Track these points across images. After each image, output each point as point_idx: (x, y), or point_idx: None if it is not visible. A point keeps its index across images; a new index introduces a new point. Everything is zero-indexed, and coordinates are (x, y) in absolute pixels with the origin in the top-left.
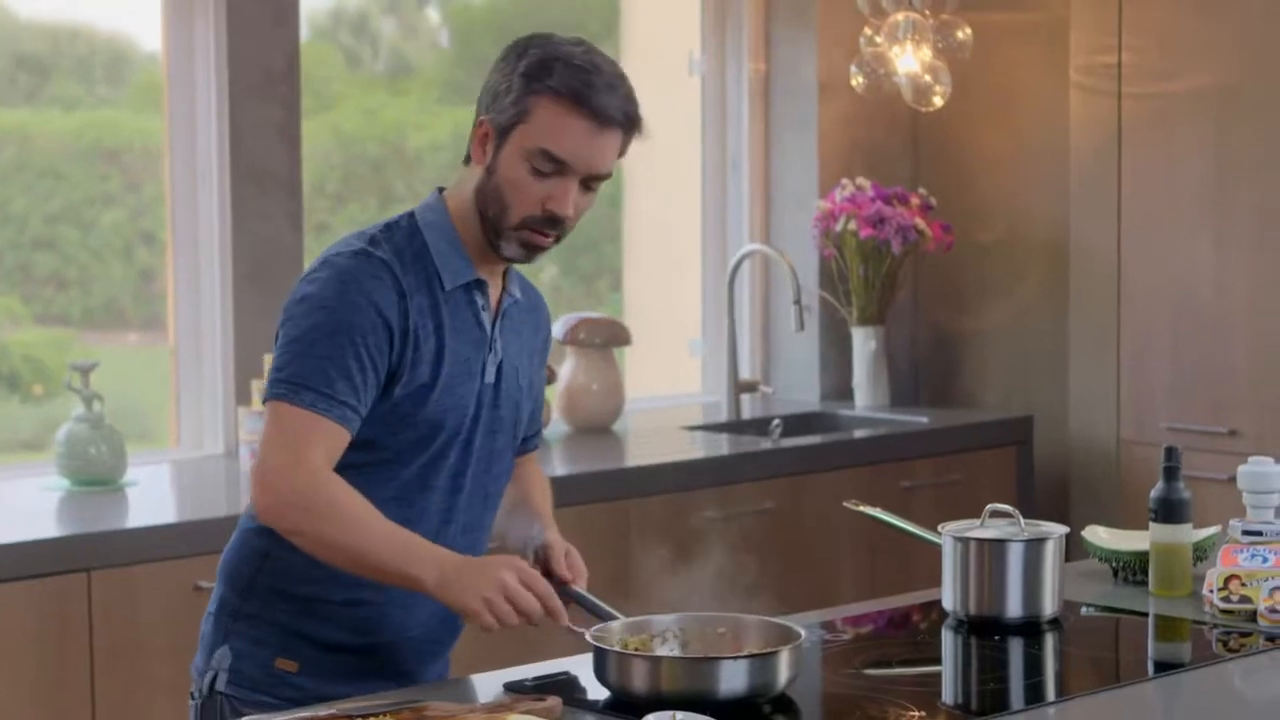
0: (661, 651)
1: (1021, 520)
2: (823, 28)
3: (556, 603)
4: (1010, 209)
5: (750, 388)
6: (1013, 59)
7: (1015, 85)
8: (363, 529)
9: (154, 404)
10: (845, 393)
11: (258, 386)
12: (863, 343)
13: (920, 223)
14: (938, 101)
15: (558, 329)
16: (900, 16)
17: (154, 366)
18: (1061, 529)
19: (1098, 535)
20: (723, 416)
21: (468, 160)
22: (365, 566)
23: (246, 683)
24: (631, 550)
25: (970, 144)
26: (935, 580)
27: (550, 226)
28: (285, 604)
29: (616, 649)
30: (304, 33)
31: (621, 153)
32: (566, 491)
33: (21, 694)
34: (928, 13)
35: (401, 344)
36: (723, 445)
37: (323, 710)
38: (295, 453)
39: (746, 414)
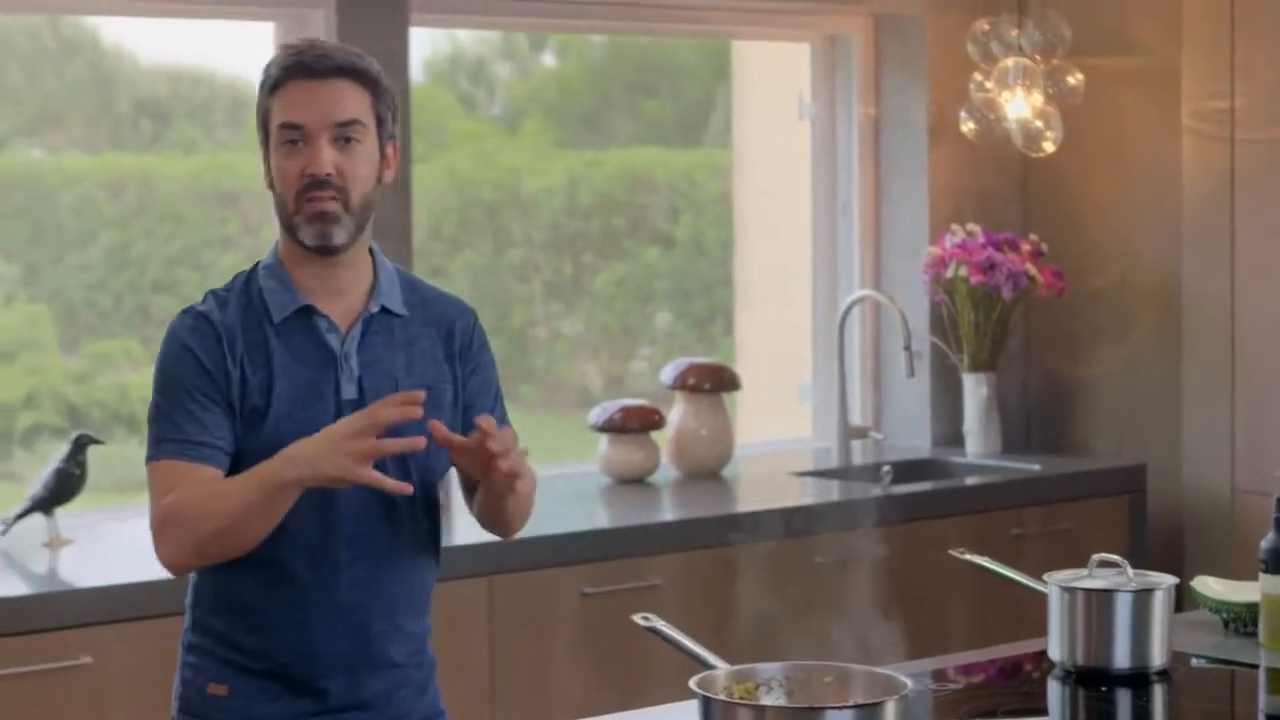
0: (767, 700)
1: (1129, 570)
2: (933, 73)
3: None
4: (1122, 254)
5: (861, 434)
6: (1124, 104)
7: (1126, 130)
8: (223, 498)
9: None
10: (956, 439)
11: None
12: (974, 389)
13: (1031, 269)
14: (1049, 147)
15: (667, 374)
16: (1010, 62)
17: None
18: (1170, 579)
19: (1208, 586)
20: (833, 462)
21: None
22: (255, 516)
23: (190, 709)
24: (739, 597)
25: (1081, 189)
26: (1043, 630)
27: (318, 189)
28: (213, 634)
29: (722, 697)
30: (421, 76)
31: (378, 114)
32: (674, 537)
33: None
34: (1038, 58)
35: (224, 382)
36: (833, 491)
37: None
38: (157, 504)
39: (857, 460)
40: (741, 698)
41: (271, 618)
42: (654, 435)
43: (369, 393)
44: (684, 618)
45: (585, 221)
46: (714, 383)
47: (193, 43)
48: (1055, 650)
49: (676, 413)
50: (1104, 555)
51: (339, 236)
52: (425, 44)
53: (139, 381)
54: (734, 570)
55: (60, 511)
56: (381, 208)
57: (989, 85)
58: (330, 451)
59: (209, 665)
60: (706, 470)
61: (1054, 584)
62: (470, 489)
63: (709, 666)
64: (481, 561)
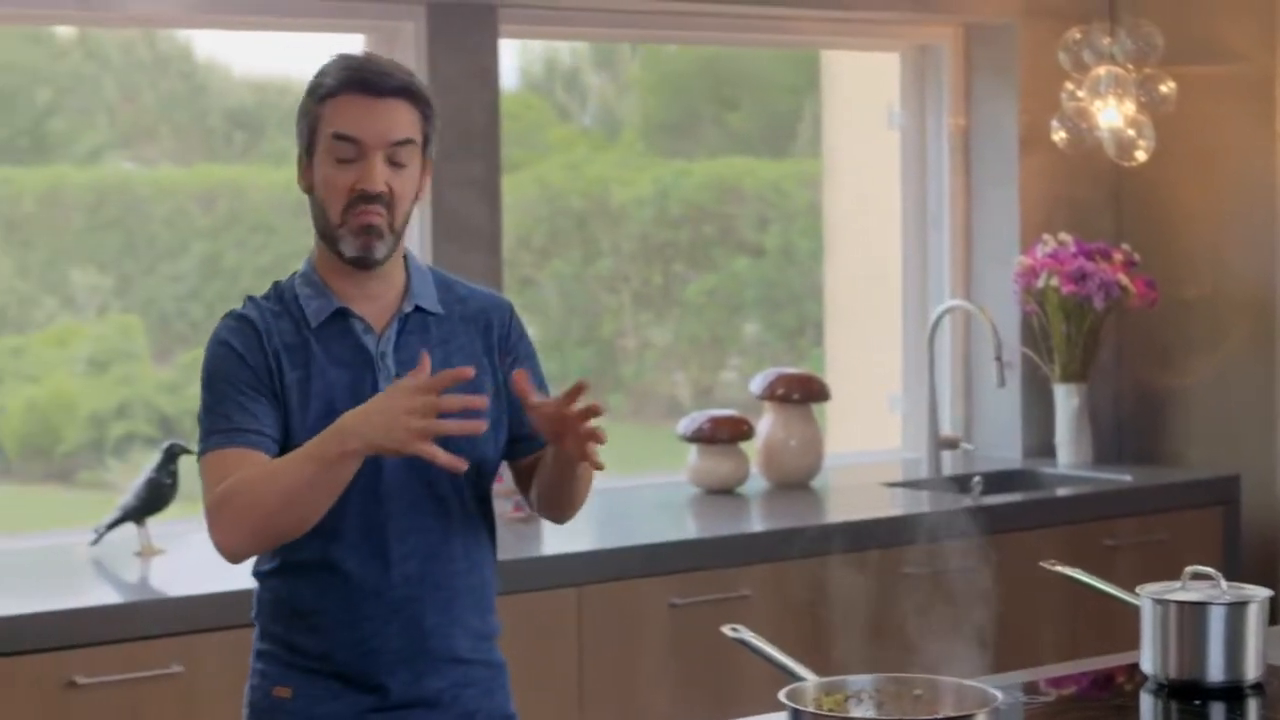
0: (856, 713)
1: (1223, 582)
2: (1024, 82)
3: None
4: (1215, 264)
5: (951, 444)
6: (1217, 112)
7: (1219, 139)
8: (278, 477)
9: None
10: (1047, 450)
11: None
12: (1065, 400)
13: (1123, 279)
14: (1141, 156)
15: (757, 384)
16: (1103, 71)
17: None
18: (1265, 592)
19: None
20: (923, 473)
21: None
22: (314, 493)
23: (257, 714)
24: (829, 608)
25: (1174, 199)
26: (1136, 643)
27: (367, 203)
28: (272, 637)
29: (811, 709)
30: (515, 83)
31: (425, 134)
32: (763, 548)
33: None
34: (1131, 67)
35: (268, 377)
36: (923, 503)
37: None
38: (210, 493)
39: (947, 471)
40: (831, 710)
41: (327, 618)
42: (743, 446)
43: None
44: (773, 629)
45: (674, 231)
46: (803, 393)
47: (282, 54)
48: (1148, 663)
49: (766, 423)
50: (1197, 568)
51: (380, 251)
52: (520, 53)
53: None
54: (823, 581)
55: (151, 521)
56: (470, 217)
57: (1081, 94)
58: (390, 425)
59: (274, 670)
60: (796, 481)
61: (1146, 596)
62: (526, 476)
63: (798, 678)
64: (570, 572)
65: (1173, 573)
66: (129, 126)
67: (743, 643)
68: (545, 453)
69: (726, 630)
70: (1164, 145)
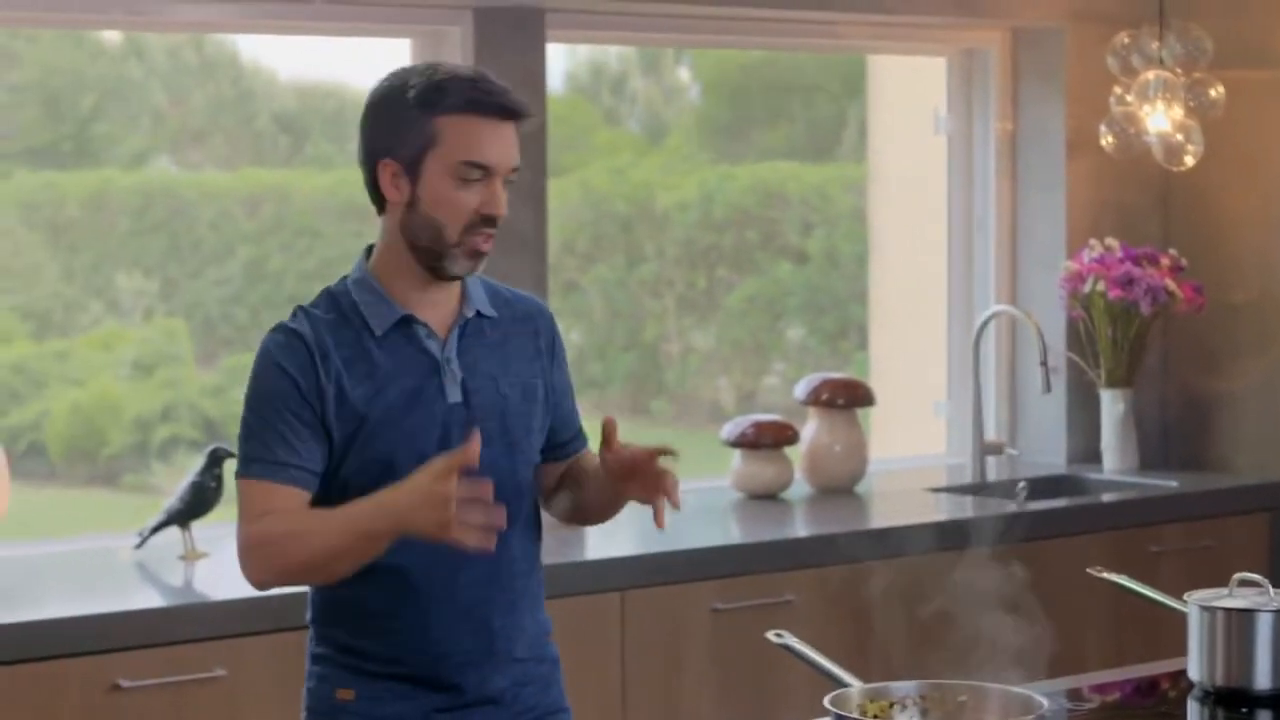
0: (901, 719)
1: (1271, 589)
2: (1071, 86)
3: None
4: (1263, 269)
5: (996, 450)
6: (1266, 117)
7: (1268, 144)
8: (311, 537)
9: None
10: (1093, 456)
11: None
12: (1111, 405)
13: (1171, 284)
14: (1189, 161)
15: (801, 389)
16: (1151, 75)
17: None
18: None
19: None
20: (967, 479)
21: (379, 209)
22: (341, 561)
23: (318, 715)
24: (873, 613)
25: (1222, 204)
26: (1182, 649)
27: (489, 227)
28: (332, 641)
29: (855, 715)
30: (561, 87)
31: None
32: (808, 553)
33: None
34: (1179, 71)
35: (318, 400)
36: (968, 508)
37: None
38: (249, 522)
39: (992, 476)
40: (876, 716)
41: (396, 622)
42: (787, 451)
43: (473, 395)
44: (817, 634)
45: (718, 236)
46: (848, 398)
47: (328, 58)
48: (1195, 670)
49: (810, 428)
50: (1245, 575)
51: (481, 267)
52: (567, 56)
53: None
54: (867, 587)
55: (196, 524)
56: (515, 222)
57: (1129, 98)
58: (419, 505)
59: (334, 673)
60: (840, 486)
61: (1194, 603)
62: (547, 480)
63: (842, 684)
64: (614, 576)
65: (1219, 579)
66: (175, 130)
67: (787, 648)
68: (588, 476)
69: (771, 636)
70: (1212, 150)
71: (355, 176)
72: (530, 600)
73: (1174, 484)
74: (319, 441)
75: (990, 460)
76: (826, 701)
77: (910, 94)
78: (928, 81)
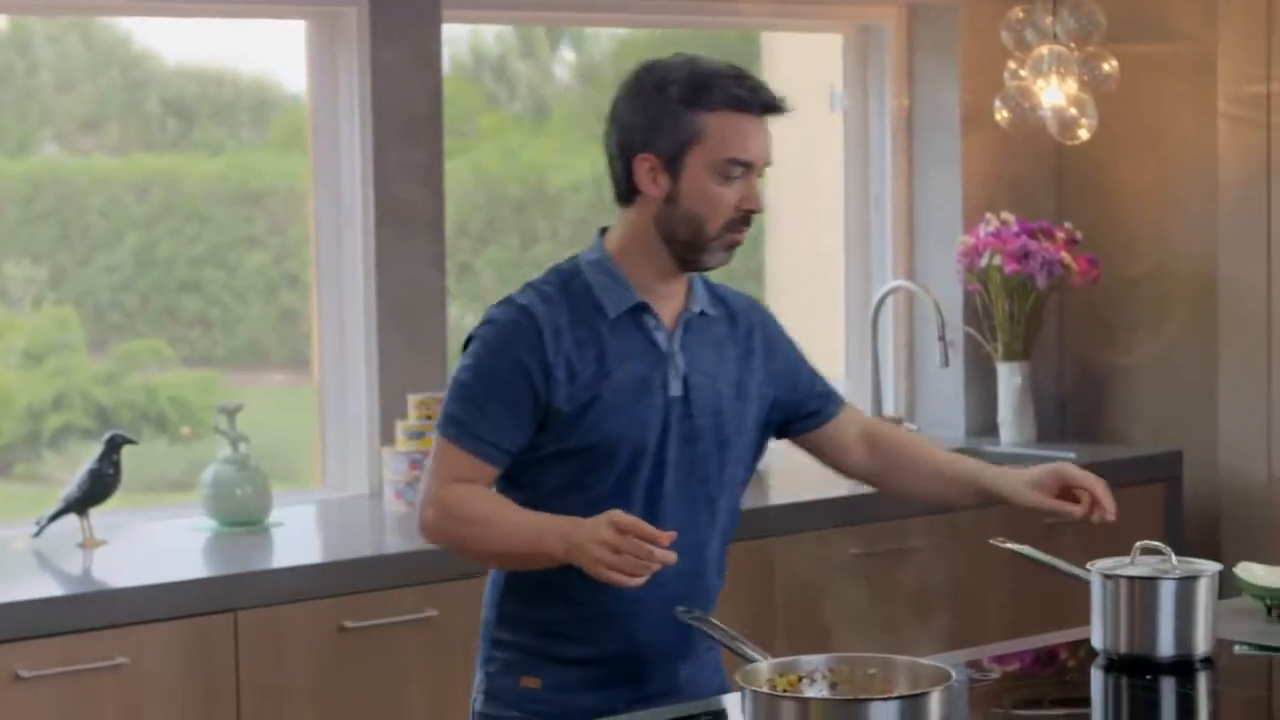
0: (810, 692)
1: (1173, 557)
2: (966, 61)
3: (654, 548)
4: (1158, 242)
5: (895, 424)
6: (1159, 90)
7: (1162, 117)
8: (494, 527)
9: (297, 444)
10: (990, 429)
11: (402, 427)
12: (1008, 378)
13: (1066, 257)
14: (1083, 134)
15: None
16: (1045, 50)
17: (297, 406)
18: (1214, 566)
19: (1251, 572)
20: None
21: (625, 200)
22: (508, 558)
23: (498, 702)
24: (775, 589)
25: (1116, 177)
26: (1081, 619)
27: (746, 223)
28: (527, 627)
29: (765, 690)
30: (446, 69)
31: None
32: None
33: None
34: (1073, 45)
35: (545, 381)
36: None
37: None
38: (438, 481)
39: None
40: (785, 690)
41: (604, 610)
42: None
43: (693, 390)
44: (720, 611)
45: (611, 216)
46: None
47: (220, 43)
48: (1098, 639)
49: None
50: (1147, 543)
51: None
52: (446, 40)
53: (167, 381)
54: (770, 563)
55: (94, 512)
56: (413, 203)
57: (1023, 73)
58: (584, 543)
59: (521, 659)
60: None
61: (1097, 572)
62: (820, 447)
63: (750, 659)
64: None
65: (1116, 550)
66: (63, 117)
67: (696, 625)
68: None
69: (679, 612)
70: (1106, 124)
71: (246, 162)
72: (716, 594)
73: (1071, 455)
74: (526, 425)
75: None
76: (737, 677)
77: (805, 71)
78: (823, 58)
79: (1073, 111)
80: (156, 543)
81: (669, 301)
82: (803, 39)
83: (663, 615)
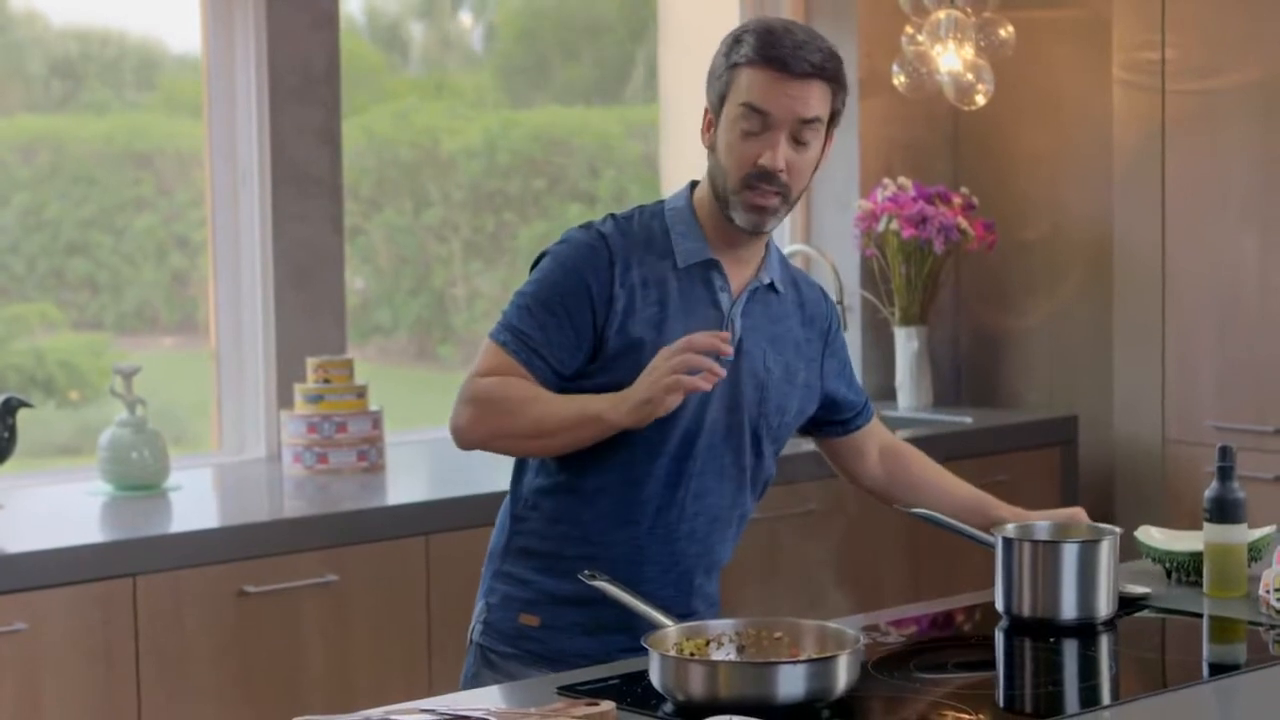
0: (718, 656)
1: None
2: (863, 26)
3: (716, 343)
4: (1053, 207)
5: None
6: (1055, 56)
7: (1057, 82)
8: (533, 404)
9: (190, 408)
10: (888, 393)
11: (300, 389)
12: (905, 343)
13: (963, 222)
14: (980, 100)
15: None
16: (942, 14)
17: (189, 370)
18: (1115, 530)
19: (1151, 536)
20: None
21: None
22: (554, 432)
23: (496, 635)
24: None
25: (1012, 142)
26: (980, 582)
27: (767, 182)
28: (531, 562)
29: (673, 654)
30: (344, 30)
31: (833, 113)
32: None
33: (67, 700)
34: (969, 11)
35: (606, 307)
36: None
37: (376, 713)
38: (477, 377)
39: None
40: (693, 654)
41: (612, 551)
42: None
43: (743, 358)
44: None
45: (504, 181)
46: None
47: (106, 2)
48: (1001, 602)
49: None
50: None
51: (770, 225)
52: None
53: (54, 345)
54: None
55: None
56: (310, 164)
57: (920, 38)
58: (642, 381)
59: (522, 594)
60: None
61: (1000, 536)
62: (837, 454)
63: (658, 625)
64: (418, 521)
65: None
66: None
67: (601, 588)
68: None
69: (583, 577)
70: (1002, 89)
71: (133, 123)
72: (718, 566)
73: (968, 420)
74: (580, 348)
75: None
76: (644, 641)
77: (701, 34)
78: (719, 21)
79: (969, 77)
80: (53, 507)
81: (741, 266)
82: (699, 1)
83: (667, 571)
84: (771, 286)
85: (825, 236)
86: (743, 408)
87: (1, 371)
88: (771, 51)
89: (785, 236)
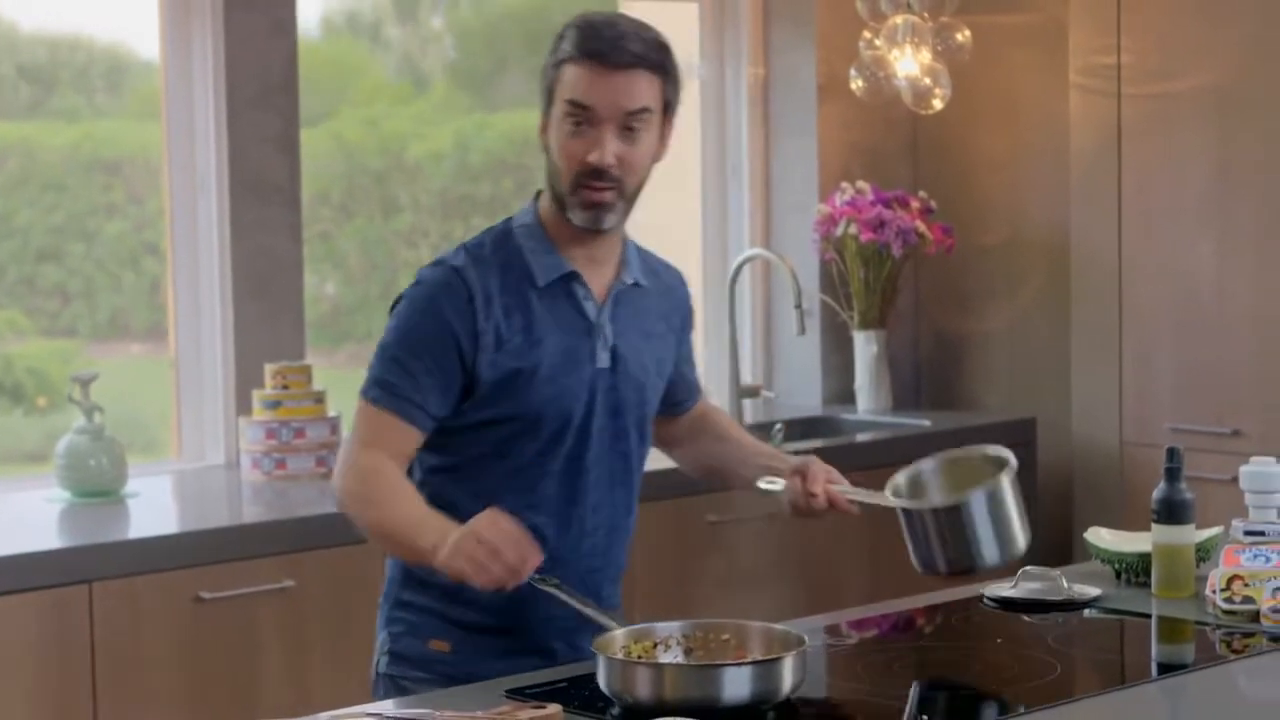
0: (665, 658)
1: (1063, 580)
2: (821, 31)
3: (522, 547)
4: (1011, 211)
5: (752, 393)
6: (1012, 61)
7: (1014, 87)
8: (389, 511)
9: (158, 415)
10: (847, 397)
11: (259, 396)
12: (864, 346)
13: (921, 226)
14: (937, 104)
15: None
16: (899, 19)
17: (158, 377)
18: (1008, 459)
19: (1100, 537)
20: None
21: None
22: (393, 544)
23: (405, 662)
24: (634, 556)
25: (970, 146)
26: (935, 585)
27: (598, 179)
28: (435, 590)
29: (620, 656)
30: (317, 35)
31: (667, 102)
32: None
33: (22, 706)
34: (926, 15)
35: (473, 345)
36: None
37: (323, 718)
38: (358, 449)
39: (748, 419)
40: (640, 656)
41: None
42: None
43: (620, 362)
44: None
45: (473, 185)
46: None
47: (74, 8)
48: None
49: None
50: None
51: (609, 222)
52: (322, 2)
53: (23, 352)
54: None
55: None
56: (268, 171)
57: (878, 43)
58: (455, 551)
59: (429, 622)
60: None
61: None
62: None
63: (605, 628)
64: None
65: None
66: None
67: (550, 591)
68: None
69: (534, 580)
70: (960, 94)
71: (102, 130)
72: (623, 571)
73: (926, 423)
74: (451, 389)
75: (747, 403)
76: (592, 644)
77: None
78: (679, 28)
79: (927, 81)
80: (10, 513)
81: (600, 268)
82: (659, 8)
83: (576, 588)
84: (635, 284)
85: (784, 240)
86: (625, 411)
87: None
88: (591, 45)
89: (744, 241)
